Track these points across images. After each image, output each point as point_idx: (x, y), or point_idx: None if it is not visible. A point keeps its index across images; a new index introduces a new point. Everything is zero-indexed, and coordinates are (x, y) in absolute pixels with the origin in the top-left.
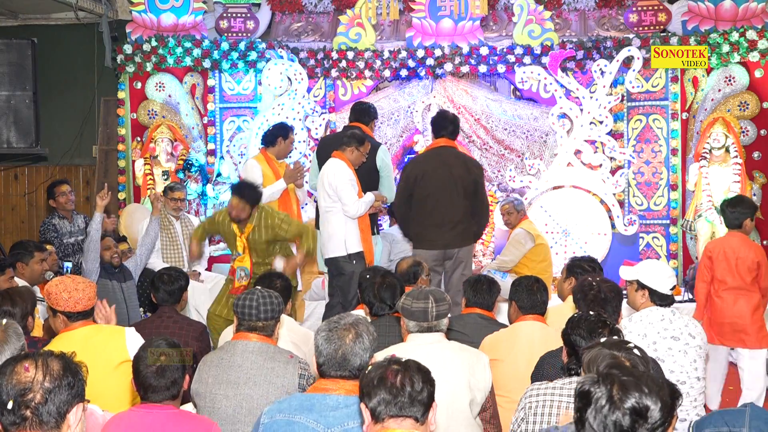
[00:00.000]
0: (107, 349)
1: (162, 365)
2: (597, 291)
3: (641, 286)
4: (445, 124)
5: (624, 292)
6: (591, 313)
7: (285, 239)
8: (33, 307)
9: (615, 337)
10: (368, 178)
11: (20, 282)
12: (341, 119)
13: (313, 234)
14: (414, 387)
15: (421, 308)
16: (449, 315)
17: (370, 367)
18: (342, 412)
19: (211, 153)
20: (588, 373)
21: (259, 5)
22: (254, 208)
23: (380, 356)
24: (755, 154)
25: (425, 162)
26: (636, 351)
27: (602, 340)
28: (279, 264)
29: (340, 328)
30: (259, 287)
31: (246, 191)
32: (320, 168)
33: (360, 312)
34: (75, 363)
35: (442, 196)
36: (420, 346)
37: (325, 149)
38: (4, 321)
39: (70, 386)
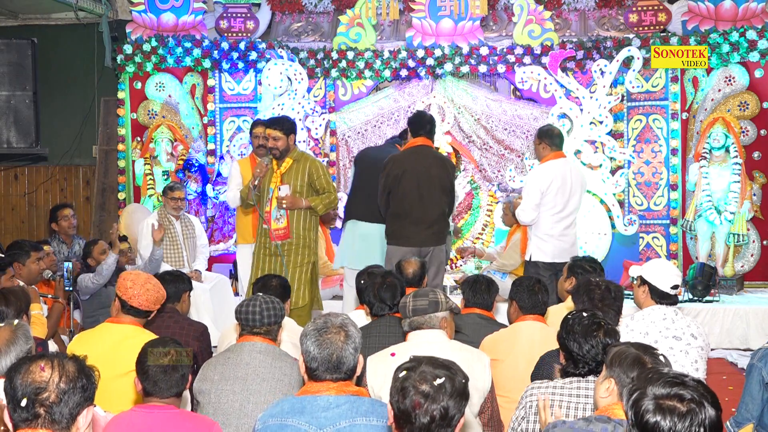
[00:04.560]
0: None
1: (173, 362)
2: (605, 290)
3: (643, 282)
4: (423, 123)
5: (627, 291)
6: (584, 314)
7: (315, 187)
8: (27, 306)
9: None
10: (376, 181)
11: (18, 282)
12: (341, 119)
13: (333, 202)
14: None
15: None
16: (442, 313)
17: (399, 394)
18: (333, 412)
19: (211, 153)
20: (611, 367)
21: (259, 5)
22: (290, 138)
23: (380, 355)
24: (755, 154)
25: (405, 160)
26: (661, 357)
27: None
28: (284, 190)
29: (330, 331)
30: (261, 294)
31: (276, 119)
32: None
33: (360, 312)
34: (88, 366)
35: (421, 194)
36: (419, 345)
37: (366, 160)
38: (16, 321)
39: (83, 389)
